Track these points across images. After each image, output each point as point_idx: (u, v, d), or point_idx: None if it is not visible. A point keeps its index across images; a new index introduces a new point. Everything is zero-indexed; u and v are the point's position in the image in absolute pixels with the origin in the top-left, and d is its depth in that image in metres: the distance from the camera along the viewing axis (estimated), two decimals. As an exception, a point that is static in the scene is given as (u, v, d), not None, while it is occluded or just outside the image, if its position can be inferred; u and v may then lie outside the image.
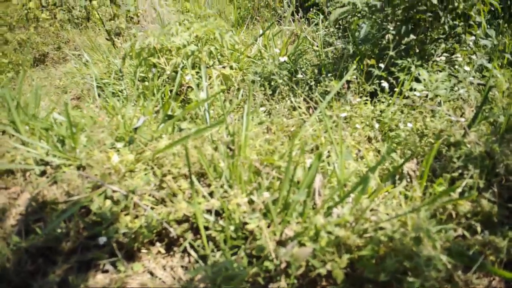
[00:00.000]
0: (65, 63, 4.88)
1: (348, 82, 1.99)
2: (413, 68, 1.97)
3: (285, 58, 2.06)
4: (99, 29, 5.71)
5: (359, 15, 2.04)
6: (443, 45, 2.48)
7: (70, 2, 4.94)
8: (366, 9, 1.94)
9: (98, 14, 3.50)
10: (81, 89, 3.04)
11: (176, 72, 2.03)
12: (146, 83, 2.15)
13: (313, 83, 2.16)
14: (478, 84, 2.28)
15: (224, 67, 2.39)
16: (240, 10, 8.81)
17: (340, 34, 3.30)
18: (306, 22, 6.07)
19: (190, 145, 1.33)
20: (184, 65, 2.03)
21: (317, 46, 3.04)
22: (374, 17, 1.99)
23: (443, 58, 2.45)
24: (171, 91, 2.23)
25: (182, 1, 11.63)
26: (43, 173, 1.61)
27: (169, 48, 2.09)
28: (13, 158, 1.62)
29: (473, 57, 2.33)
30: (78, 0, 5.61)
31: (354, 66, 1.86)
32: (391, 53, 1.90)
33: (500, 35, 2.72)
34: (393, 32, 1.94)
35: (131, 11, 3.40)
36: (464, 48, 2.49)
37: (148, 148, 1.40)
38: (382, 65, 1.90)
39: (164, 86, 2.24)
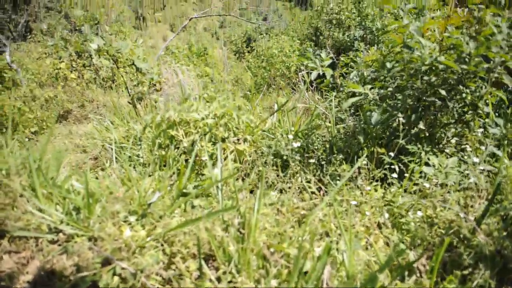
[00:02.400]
0: (87, 122, 5.11)
1: (358, 167, 2.03)
2: (423, 155, 2.01)
3: (298, 144, 2.14)
4: (122, 91, 6.03)
5: (370, 102, 2.14)
6: (453, 130, 2.55)
7: (98, 63, 5.29)
8: (377, 97, 2.05)
9: (124, 78, 3.72)
10: (100, 151, 3.15)
11: (193, 145, 2.12)
12: (163, 152, 2.24)
13: (324, 162, 2.21)
14: (488, 171, 2.30)
15: (238, 140, 2.48)
16: (256, 77, 9.27)
17: (352, 111, 3.43)
18: (319, 92, 6.32)
19: (201, 226, 1.35)
20: (201, 138, 2.12)
21: (329, 122, 3.15)
22: (384, 104, 2.09)
23: (453, 141, 2.50)
24: (186, 160, 2.30)
25: (202, 66, 12.27)
26: (55, 241, 1.64)
27: (188, 121, 2.20)
28: (28, 223, 1.66)
29: (483, 145, 2.37)
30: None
31: (365, 155, 1.91)
32: (401, 141, 1.97)
33: (509, 123, 2.79)
34: (403, 121, 2.02)
35: (154, 79, 3.61)
36: (474, 134, 2.56)
37: (160, 224, 1.43)
38: (392, 154, 1.95)
39: (180, 156, 2.32)
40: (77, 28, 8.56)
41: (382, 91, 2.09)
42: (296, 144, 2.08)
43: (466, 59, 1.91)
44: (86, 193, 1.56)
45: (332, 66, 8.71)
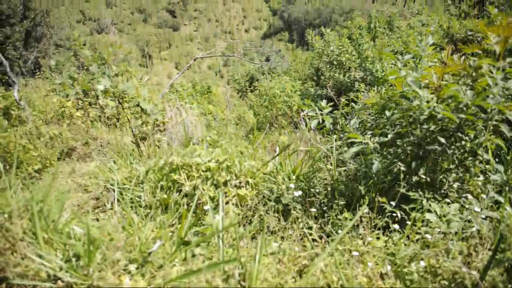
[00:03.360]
0: (90, 160, 5.15)
1: (360, 216, 2.03)
2: (424, 202, 2.02)
3: (299, 193, 2.15)
4: (126, 129, 6.12)
5: (371, 151, 2.17)
6: (453, 175, 2.56)
7: (104, 104, 5.40)
8: (378, 146, 2.08)
9: (128, 118, 3.80)
10: (102, 191, 3.16)
11: (195, 189, 2.14)
12: (165, 195, 2.25)
13: (325, 207, 2.21)
14: (491, 218, 2.29)
15: (240, 183, 2.49)
16: (259, 116, 9.42)
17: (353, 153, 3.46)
18: (321, 134, 6.39)
19: (201, 277, 1.34)
20: (203, 182, 2.14)
21: (331, 164, 3.17)
22: (385, 153, 2.12)
23: (455, 186, 2.51)
24: (188, 204, 2.31)
25: (206, 104, 12.48)
26: (53, 288, 1.61)
27: (190, 164, 2.23)
28: (27, 269, 1.65)
29: (484, 193, 2.37)
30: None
31: (366, 203, 1.92)
32: (402, 190, 1.98)
33: (510, 169, 2.80)
34: (404, 169, 2.04)
35: (158, 120, 3.69)
36: (475, 179, 2.56)
37: (160, 273, 1.42)
38: (393, 203, 1.96)
39: (182, 198, 2.33)
40: (85, 67, 8.82)
41: (382, 138, 2.13)
42: (297, 193, 2.09)
43: (464, 109, 1.96)
44: (87, 239, 1.56)
45: (333, 106, 8.86)
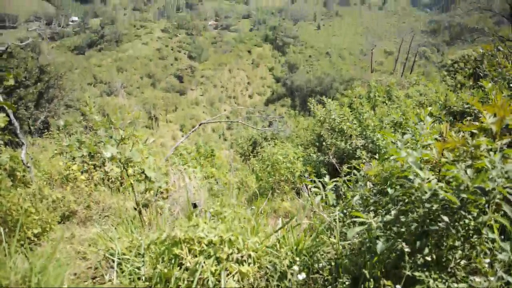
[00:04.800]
0: (91, 224, 5.10)
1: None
2: (431, 283, 1.97)
3: (303, 275, 2.12)
4: (129, 193, 6.13)
5: (374, 231, 2.17)
6: (459, 252, 2.51)
7: (109, 170, 5.47)
8: (381, 225, 2.09)
9: (132, 183, 3.83)
10: (101, 259, 3.10)
11: (197, 265, 2.11)
12: (166, 269, 2.21)
13: (330, 286, 2.15)
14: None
15: (242, 257, 2.45)
16: (261, 181, 9.44)
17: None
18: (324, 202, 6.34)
19: None
20: (205, 257, 2.11)
21: (334, 237, 3.13)
22: (389, 232, 2.12)
23: (461, 263, 2.45)
24: (189, 280, 2.25)
25: (209, 167, 12.59)
26: None
27: (193, 238, 2.22)
28: None
29: (492, 273, 2.32)
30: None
31: (372, 287, 1.88)
32: (408, 272, 1.95)
33: (516, 248, 2.75)
34: (408, 250, 2.02)
35: (162, 187, 3.72)
36: (481, 256, 2.51)
37: None
38: (399, 286, 1.92)
39: (183, 273, 2.28)
40: (92, 128, 9.07)
41: (385, 217, 2.14)
42: (301, 276, 2.05)
43: (465, 188, 1.99)
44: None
45: (335, 173, 8.94)
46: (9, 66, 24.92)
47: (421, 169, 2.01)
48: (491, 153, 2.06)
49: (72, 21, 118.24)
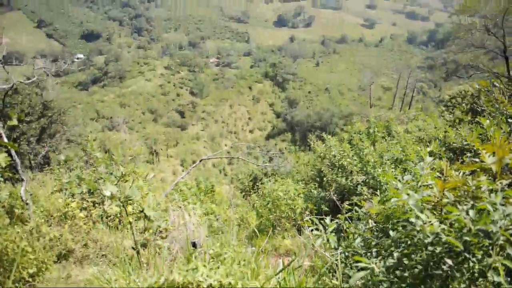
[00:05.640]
0: (88, 263, 4.99)
1: None
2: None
3: None
4: (127, 231, 6.04)
5: (376, 276, 2.13)
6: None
7: (109, 209, 5.43)
8: (384, 269, 2.05)
9: (130, 221, 3.79)
10: (96, 304, 3.01)
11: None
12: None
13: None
14: None
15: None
16: (262, 218, 9.32)
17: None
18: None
19: None
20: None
21: (336, 279, 3.05)
22: (391, 276, 2.08)
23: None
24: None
25: (209, 203, 12.48)
26: None
27: (192, 281, 2.16)
28: None
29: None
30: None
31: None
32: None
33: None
34: (412, 295, 1.97)
35: (161, 226, 3.68)
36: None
37: None
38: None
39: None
40: (93, 163, 9.08)
41: (388, 261, 2.10)
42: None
43: (468, 231, 1.97)
44: None
45: (337, 210, 8.85)
46: (14, 102, 25.29)
47: (422, 211, 2.00)
48: (492, 195, 2.05)
49: (78, 58, 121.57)
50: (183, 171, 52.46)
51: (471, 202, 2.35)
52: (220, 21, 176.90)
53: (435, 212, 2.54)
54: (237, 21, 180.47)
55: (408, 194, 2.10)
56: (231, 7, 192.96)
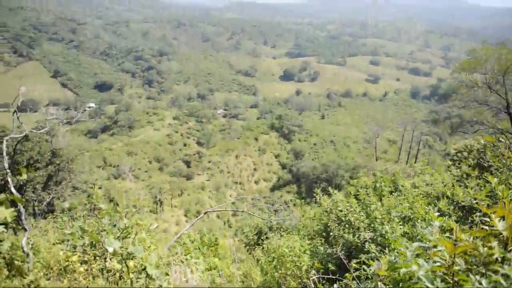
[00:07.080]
0: (84, 322, 4.78)
1: None
2: None
3: None
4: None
5: None
6: None
7: (111, 266, 5.31)
8: None
9: (131, 281, 3.68)
10: None
11: None
12: None
13: None
14: None
15: None
16: (266, 275, 9.00)
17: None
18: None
19: None
20: None
21: None
22: None
23: None
24: None
25: (212, 256, 12.16)
26: None
27: None
28: None
29: None
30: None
31: None
32: None
33: None
34: None
35: (163, 286, 3.57)
36: None
37: None
38: None
39: None
40: (97, 213, 9.00)
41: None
42: None
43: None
44: None
45: (344, 267, 8.53)
46: (24, 149, 25.69)
47: (433, 283, 1.94)
48: (506, 266, 2.00)
49: (89, 107, 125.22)
50: (186, 221, 51.64)
51: (483, 270, 2.28)
52: (228, 75, 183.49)
53: (446, 278, 2.46)
54: (244, 75, 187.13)
55: (417, 265, 2.05)
56: (239, 62, 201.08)
